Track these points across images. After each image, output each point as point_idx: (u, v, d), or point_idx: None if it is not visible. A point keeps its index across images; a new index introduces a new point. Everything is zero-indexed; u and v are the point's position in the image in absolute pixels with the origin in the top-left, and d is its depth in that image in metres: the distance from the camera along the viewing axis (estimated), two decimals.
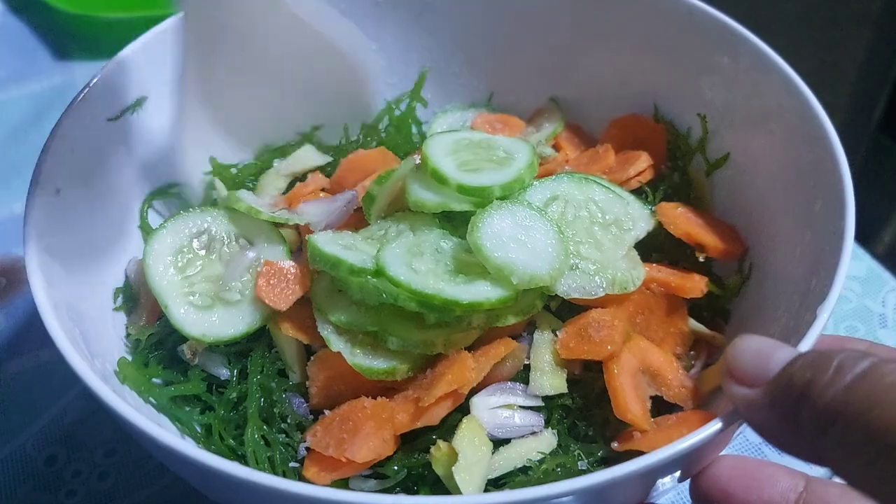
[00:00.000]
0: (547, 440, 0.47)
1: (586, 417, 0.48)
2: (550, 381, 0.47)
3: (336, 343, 0.47)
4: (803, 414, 0.33)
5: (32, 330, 0.65)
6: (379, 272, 0.46)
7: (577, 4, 0.61)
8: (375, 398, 0.46)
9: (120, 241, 0.54)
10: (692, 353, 0.52)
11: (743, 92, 0.55)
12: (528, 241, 0.48)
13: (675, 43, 0.58)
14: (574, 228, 0.51)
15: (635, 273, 0.50)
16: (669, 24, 0.58)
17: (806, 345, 0.39)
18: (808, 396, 0.32)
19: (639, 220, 0.53)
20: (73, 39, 0.91)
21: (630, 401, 0.45)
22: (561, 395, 0.47)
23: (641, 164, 0.57)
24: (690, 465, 0.40)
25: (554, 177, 0.53)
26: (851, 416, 0.31)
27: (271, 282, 0.50)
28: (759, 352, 0.36)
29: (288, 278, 0.50)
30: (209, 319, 0.49)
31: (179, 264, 0.51)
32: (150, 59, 0.56)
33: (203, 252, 0.52)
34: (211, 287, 0.51)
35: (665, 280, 0.51)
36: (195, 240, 0.52)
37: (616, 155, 0.59)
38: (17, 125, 0.82)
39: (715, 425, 0.36)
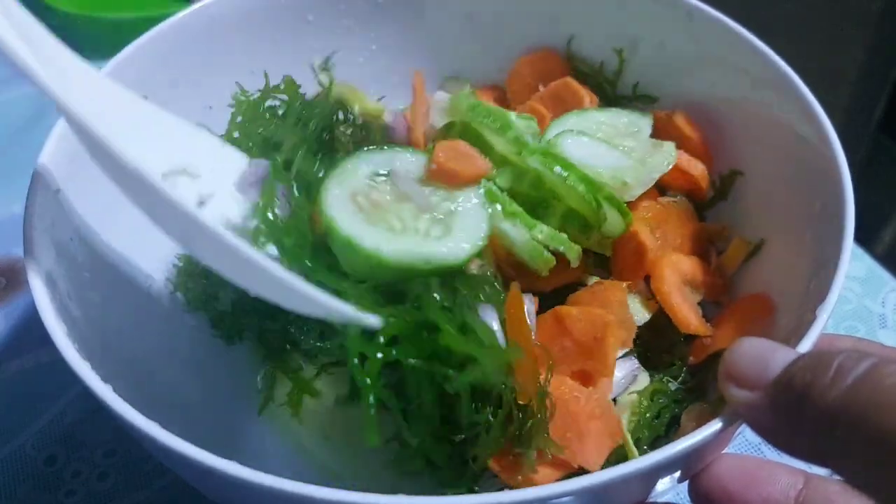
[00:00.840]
0: (643, 380, 0.48)
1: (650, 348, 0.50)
2: (641, 311, 0.50)
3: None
4: (805, 416, 0.32)
5: (32, 330, 0.65)
6: None
7: None
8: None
9: (120, 241, 0.54)
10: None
11: (742, 92, 0.55)
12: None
13: (673, 43, 0.58)
14: (607, 142, 0.54)
15: (666, 150, 0.53)
16: (668, 25, 0.58)
17: (806, 345, 0.39)
18: (809, 398, 0.32)
19: (641, 122, 0.57)
20: (72, 40, 0.91)
21: (688, 314, 0.49)
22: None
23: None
24: (690, 465, 0.40)
25: (559, 119, 0.56)
26: (853, 418, 0.31)
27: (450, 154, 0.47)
28: (759, 354, 0.36)
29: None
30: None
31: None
32: (150, 59, 0.56)
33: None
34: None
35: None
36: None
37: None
38: (17, 125, 0.82)
39: (715, 425, 0.36)
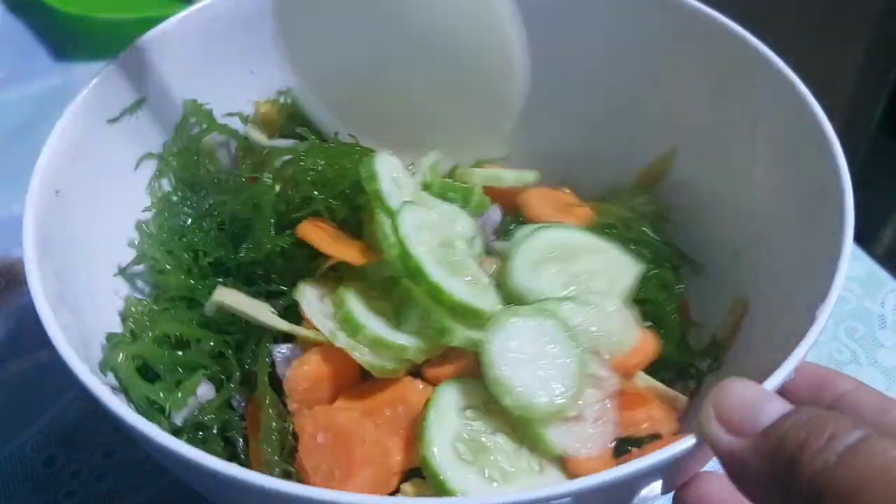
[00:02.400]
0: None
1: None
2: None
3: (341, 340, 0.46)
4: (793, 479, 0.31)
5: (31, 331, 0.65)
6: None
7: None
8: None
9: (120, 242, 0.54)
10: None
11: (740, 93, 0.55)
12: (543, 364, 0.45)
13: (670, 44, 0.58)
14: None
15: (629, 333, 0.48)
16: (665, 25, 0.58)
17: (805, 345, 0.39)
18: (798, 462, 0.31)
19: (626, 270, 0.52)
20: (72, 40, 0.91)
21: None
22: None
23: None
24: (671, 477, 0.40)
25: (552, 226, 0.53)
26: (838, 495, 0.29)
27: None
28: (750, 399, 0.35)
29: None
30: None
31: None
32: (150, 60, 0.56)
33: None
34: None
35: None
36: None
37: None
38: (17, 126, 0.82)
39: (689, 441, 0.36)
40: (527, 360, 0.44)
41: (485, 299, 0.48)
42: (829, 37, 1.20)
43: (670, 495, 0.42)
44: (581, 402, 0.45)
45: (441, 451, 0.42)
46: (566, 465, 0.44)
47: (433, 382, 0.46)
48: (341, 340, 0.46)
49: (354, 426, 0.44)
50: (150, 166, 0.57)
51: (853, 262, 0.68)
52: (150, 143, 0.57)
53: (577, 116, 0.64)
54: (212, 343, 0.49)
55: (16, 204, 0.73)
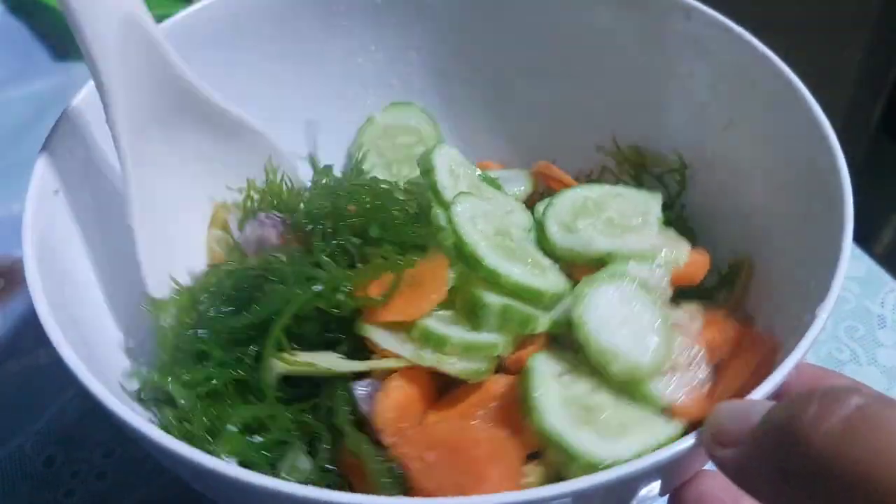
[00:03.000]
0: None
1: None
2: None
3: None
4: (793, 458, 0.29)
5: (31, 331, 0.65)
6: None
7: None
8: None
9: (118, 242, 0.54)
10: None
11: (740, 92, 0.55)
12: (633, 324, 0.46)
13: (668, 43, 0.58)
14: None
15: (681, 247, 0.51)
16: (664, 23, 0.58)
17: (805, 345, 0.39)
18: (793, 435, 0.29)
19: (650, 203, 0.55)
20: (72, 40, 0.91)
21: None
22: None
23: None
24: (669, 478, 0.40)
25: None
26: (850, 466, 0.27)
27: None
28: (738, 409, 0.34)
29: None
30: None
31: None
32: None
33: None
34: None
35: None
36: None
37: None
38: (16, 126, 0.82)
39: (689, 440, 0.36)
40: (619, 324, 0.45)
41: (546, 279, 0.48)
42: (828, 36, 1.20)
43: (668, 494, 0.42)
44: (674, 352, 0.46)
45: (557, 417, 0.42)
46: (673, 412, 0.44)
47: (515, 371, 0.46)
48: (428, 358, 0.45)
49: (460, 432, 0.44)
50: None
51: (853, 262, 0.68)
52: None
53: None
54: (289, 415, 0.46)
55: (15, 203, 0.73)
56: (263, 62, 0.62)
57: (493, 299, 0.46)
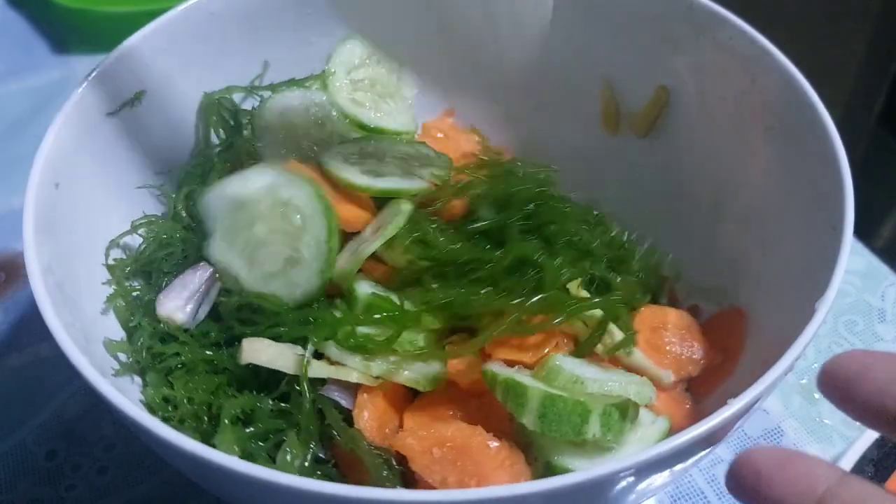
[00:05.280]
0: None
1: None
2: None
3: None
4: None
5: (32, 325, 0.65)
6: None
7: None
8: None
9: (118, 234, 0.54)
10: None
11: (741, 87, 0.55)
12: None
13: (670, 36, 0.58)
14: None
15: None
16: (666, 17, 0.58)
17: (804, 339, 0.39)
18: None
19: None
20: (71, 33, 0.91)
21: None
22: None
23: None
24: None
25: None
26: None
27: None
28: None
29: None
30: None
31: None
32: (149, 53, 0.56)
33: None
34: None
35: None
36: None
37: None
38: (16, 119, 0.82)
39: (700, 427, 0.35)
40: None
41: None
42: (829, 30, 1.20)
43: (667, 492, 0.42)
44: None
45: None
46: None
47: (466, 386, 0.47)
48: (376, 368, 0.46)
49: (470, 436, 0.43)
50: (149, 161, 0.57)
51: (853, 256, 0.68)
52: (149, 137, 0.57)
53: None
54: (271, 407, 0.46)
55: (16, 197, 0.73)
56: (264, 54, 0.62)
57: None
